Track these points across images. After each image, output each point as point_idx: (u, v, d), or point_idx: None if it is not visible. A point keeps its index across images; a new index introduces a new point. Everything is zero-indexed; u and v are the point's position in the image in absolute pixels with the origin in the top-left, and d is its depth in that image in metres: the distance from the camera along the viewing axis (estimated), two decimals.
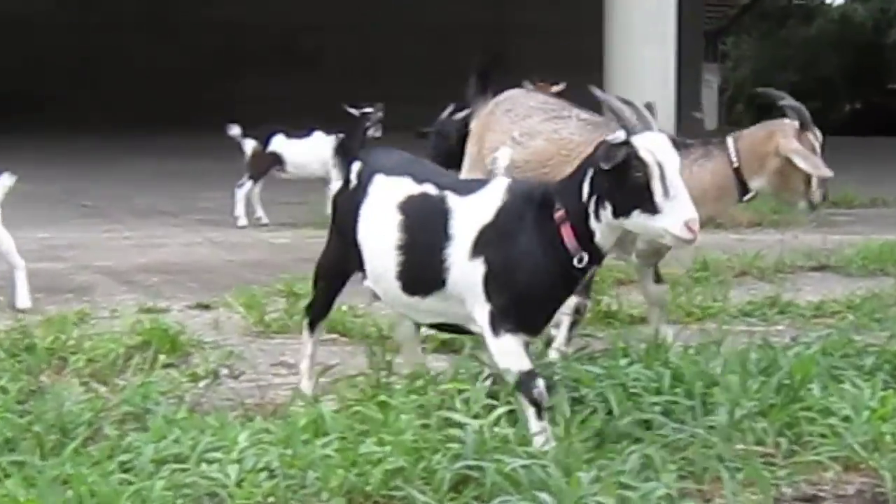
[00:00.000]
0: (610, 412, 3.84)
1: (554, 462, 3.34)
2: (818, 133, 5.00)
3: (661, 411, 3.88)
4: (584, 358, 4.36)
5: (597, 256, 3.83)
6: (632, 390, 4.00)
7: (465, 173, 5.65)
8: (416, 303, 4.07)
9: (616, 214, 3.72)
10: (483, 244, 3.87)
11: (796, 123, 4.96)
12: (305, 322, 4.55)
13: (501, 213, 3.89)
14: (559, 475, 3.25)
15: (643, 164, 3.65)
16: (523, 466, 3.29)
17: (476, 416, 3.63)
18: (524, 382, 3.78)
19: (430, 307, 4.06)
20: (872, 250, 7.68)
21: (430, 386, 4.01)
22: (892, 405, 3.96)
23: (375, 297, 4.31)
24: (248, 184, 9.98)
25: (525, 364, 3.81)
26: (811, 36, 31.15)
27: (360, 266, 4.22)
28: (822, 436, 3.75)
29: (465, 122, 6.53)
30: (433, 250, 3.95)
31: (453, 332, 4.40)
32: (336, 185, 4.45)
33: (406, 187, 4.10)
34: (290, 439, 3.55)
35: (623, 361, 4.20)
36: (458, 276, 3.91)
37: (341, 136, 9.62)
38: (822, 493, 3.55)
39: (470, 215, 3.93)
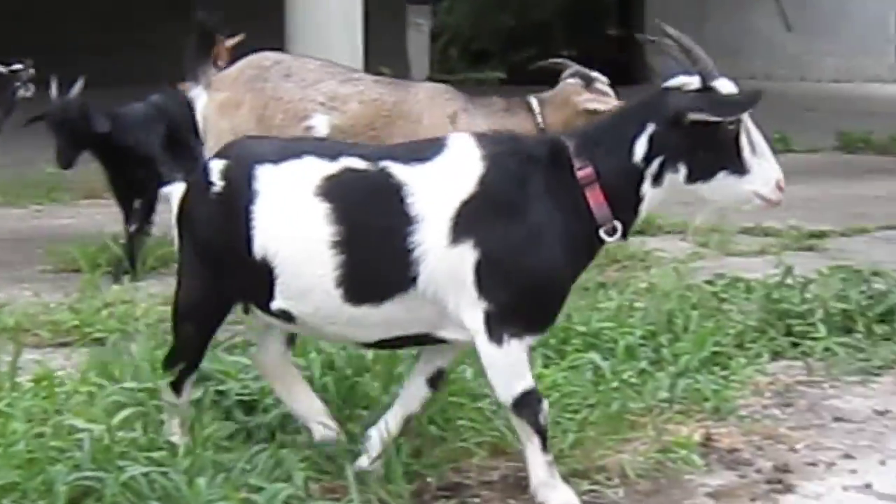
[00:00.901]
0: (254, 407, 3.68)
1: (180, 467, 3.14)
2: (602, 78, 5.35)
3: None
4: (232, 347, 4.14)
5: (628, 228, 3.21)
6: None
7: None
8: (365, 315, 3.19)
9: (692, 178, 3.15)
10: (468, 224, 3.10)
11: (581, 82, 5.26)
12: (166, 384, 3.44)
13: (489, 178, 3.13)
14: (183, 481, 3.06)
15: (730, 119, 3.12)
16: (144, 474, 3.07)
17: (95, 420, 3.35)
18: (528, 405, 3.16)
19: (387, 317, 3.19)
20: None
21: (57, 387, 3.69)
22: (547, 383, 3.97)
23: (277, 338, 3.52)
24: None
25: (529, 380, 3.18)
26: None
27: (251, 293, 3.30)
28: (473, 420, 3.70)
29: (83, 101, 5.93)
30: (390, 240, 3.13)
31: (400, 347, 3.53)
32: (173, 198, 3.53)
33: (316, 168, 3.21)
34: None
35: None
36: (434, 269, 3.11)
37: None
38: (467, 481, 3.49)
39: (438, 188, 3.13)
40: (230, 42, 8.67)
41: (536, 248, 3.11)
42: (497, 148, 3.20)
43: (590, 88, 5.34)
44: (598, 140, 3.21)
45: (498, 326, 3.11)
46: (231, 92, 5.23)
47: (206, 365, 3.67)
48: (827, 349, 4.78)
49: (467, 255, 3.09)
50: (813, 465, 3.67)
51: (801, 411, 4.18)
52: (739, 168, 3.14)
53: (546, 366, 4.14)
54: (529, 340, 3.18)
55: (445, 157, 3.19)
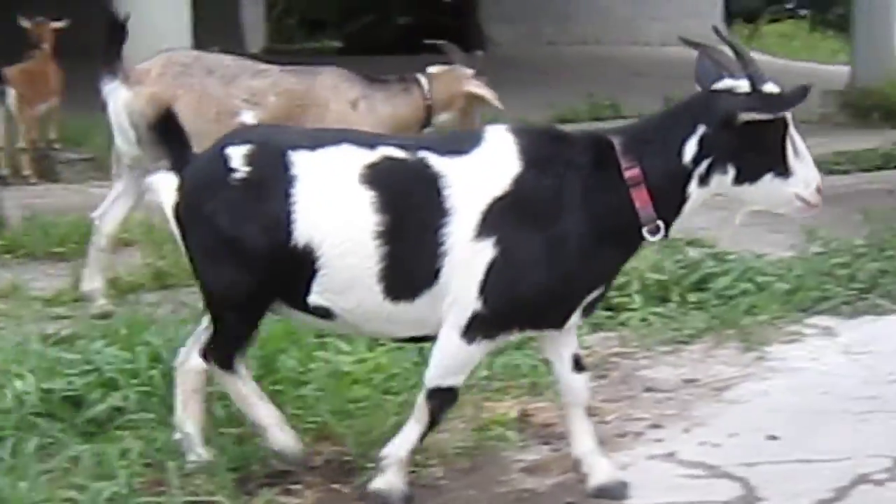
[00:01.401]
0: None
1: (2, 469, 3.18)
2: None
3: (137, 398, 3.74)
4: (60, 341, 4.16)
5: (669, 227, 3.19)
6: (108, 375, 3.83)
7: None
8: (401, 312, 3.16)
9: (740, 179, 3.16)
10: (495, 221, 3.07)
11: (470, 71, 5.56)
12: (216, 365, 3.34)
13: (525, 179, 3.11)
14: (6, 484, 3.09)
15: (784, 118, 3.13)
16: None
17: None
18: (444, 399, 3.23)
19: (416, 316, 3.17)
20: None
21: None
22: (371, 365, 4.08)
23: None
24: None
25: (461, 378, 3.24)
26: None
27: (283, 287, 3.20)
28: (296, 408, 3.79)
29: None
30: (424, 232, 3.09)
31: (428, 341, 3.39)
32: (160, 190, 3.32)
33: (357, 156, 3.16)
34: None
35: (99, 344, 4.02)
36: (456, 264, 3.08)
37: None
38: (291, 468, 3.58)
39: (473, 182, 3.10)
40: (55, 25, 8.56)
41: (552, 261, 3.09)
42: (537, 148, 3.19)
43: (478, 79, 5.58)
44: (646, 140, 3.21)
45: (477, 329, 3.12)
46: (159, 87, 5.19)
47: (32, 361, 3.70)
48: (643, 319, 5.00)
49: (485, 252, 3.08)
50: (622, 435, 3.86)
51: (615, 383, 4.38)
52: (784, 170, 3.17)
53: (370, 348, 4.23)
54: (500, 340, 3.23)
55: (484, 149, 3.18)
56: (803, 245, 6.07)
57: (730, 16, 23.38)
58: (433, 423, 3.25)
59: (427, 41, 6.11)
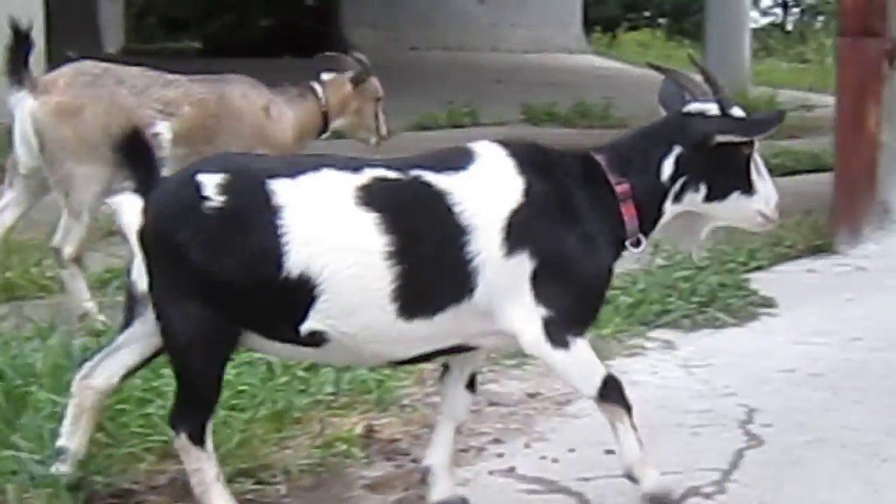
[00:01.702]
0: None
1: None
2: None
3: None
4: None
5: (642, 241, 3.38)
6: None
7: (70, 160, 5.14)
8: (415, 329, 3.14)
9: (710, 197, 3.38)
10: (521, 234, 3.15)
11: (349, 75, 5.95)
12: (185, 437, 3.19)
13: (536, 191, 3.20)
14: None
15: (751, 140, 3.36)
16: None
17: None
18: (612, 389, 3.26)
19: (435, 331, 3.17)
20: None
21: None
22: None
23: None
24: None
25: (602, 368, 3.29)
26: None
27: (265, 317, 3.13)
28: (141, 426, 3.78)
29: None
30: (444, 250, 3.12)
31: (426, 361, 3.51)
32: (124, 212, 3.17)
33: (345, 180, 3.13)
34: None
35: None
36: (492, 280, 3.13)
37: None
38: (135, 486, 3.58)
39: (482, 197, 3.16)
40: None
41: (589, 253, 3.24)
42: (532, 160, 3.28)
43: (370, 81, 6.06)
44: (629, 158, 3.37)
45: (559, 331, 3.18)
46: (68, 97, 5.16)
47: None
48: None
49: (525, 266, 3.15)
50: (465, 451, 3.93)
51: None
52: (749, 189, 3.39)
53: None
54: (586, 336, 3.28)
55: (480, 165, 3.22)
56: (649, 258, 6.25)
57: (588, 24, 23.78)
58: (628, 409, 3.30)
59: (328, 53, 6.40)
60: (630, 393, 3.81)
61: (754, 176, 3.40)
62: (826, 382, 4.67)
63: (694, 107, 3.41)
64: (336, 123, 5.95)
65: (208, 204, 3.05)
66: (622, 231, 3.32)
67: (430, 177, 3.17)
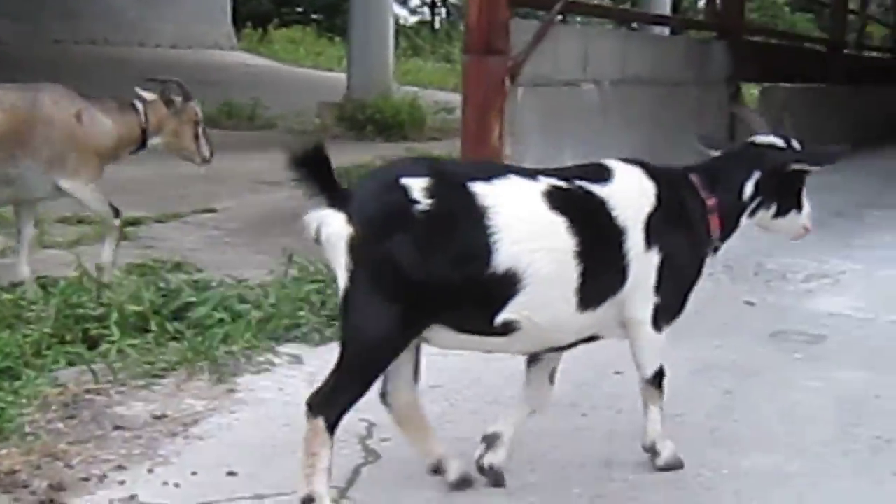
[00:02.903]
0: None
1: None
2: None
3: None
4: None
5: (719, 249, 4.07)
6: None
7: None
8: (584, 319, 3.67)
9: (777, 214, 4.16)
10: (655, 233, 3.73)
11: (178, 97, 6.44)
12: (322, 422, 3.43)
13: (663, 198, 3.80)
14: None
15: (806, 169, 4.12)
16: None
17: None
18: (661, 375, 3.96)
19: (594, 320, 3.72)
20: None
21: None
22: None
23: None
24: None
25: (661, 361, 3.95)
26: None
27: (459, 311, 3.47)
28: None
29: None
30: (609, 248, 3.67)
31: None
32: (328, 226, 3.36)
33: (530, 186, 3.57)
34: None
35: None
36: (636, 273, 3.72)
37: None
38: None
39: (629, 204, 3.72)
40: None
41: (695, 255, 3.92)
42: (653, 175, 3.86)
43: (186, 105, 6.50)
44: (717, 179, 4.02)
45: (660, 318, 3.82)
46: None
47: None
48: (120, 352, 5.06)
49: (654, 259, 3.73)
50: (86, 479, 3.89)
51: (85, 422, 4.39)
52: (800, 207, 4.20)
53: None
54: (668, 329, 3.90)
55: (622, 177, 3.79)
56: (281, 269, 6.36)
57: (240, 20, 23.73)
58: (662, 396, 3.99)
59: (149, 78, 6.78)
60: (258, 412, 3.91)
61: (804, 197, 4.20)
62: (444, 394, 4.88)
63: (764, 139, 4.17)
64: (154, 141, 6.40)
65: (417, 207, 3.34)
66: (709, 239, 3.97)
67: (591, 187, 3.70)
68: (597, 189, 3.70)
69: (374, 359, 3.46)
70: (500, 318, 3.50)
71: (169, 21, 21.65)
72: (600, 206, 3.68)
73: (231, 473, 3.98)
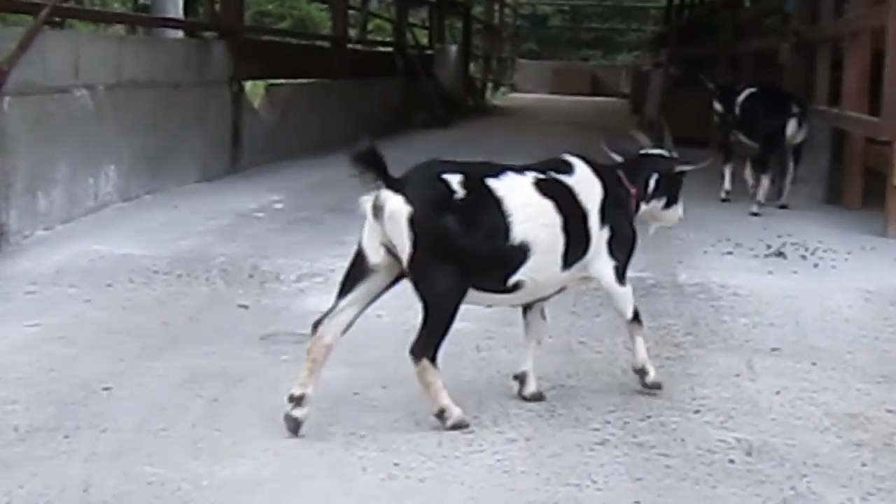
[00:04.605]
0: None
1: None
2: None
3: None
4: None
5: None
6: None
7: None
8: (564, 277, 4.87)
9: (666, 205, 5.39)
10: (606, 214, 4.91)
11: None
12: (427, 361, 4.54)
13: (607, 188, 4.97)
14: None
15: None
16: None
17: None
18: (637, 313, 5.15)
19: (568, 277, 4.90)
20: None
21: None
22: None
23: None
24: None
25: (633, 302, 5.14)
26: None
27: (486, 275, 4.60)
28: None
29: None
30: (581, 224, 4.83)
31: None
32: (389, 207, 4.41)
33: (524, 180, 4.71)
34: None
35: None
36: (596, 243, 4.90)
37: None
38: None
39: (589, 190, 4.89)
40: None
41: (630, 229, 5.06)
42: (599, 169, 5.02)
43: None
44: (634, 175, 5.23)
45: (619, 276, 5.01)
46: None
47: None
48: None
49: (605, 234, 4.92)
50: None
51: None
52: (677, 201, 5.43)
53: None
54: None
55: (579, 172, 4.93)
56: None
57: None
58: (641, 327, 5.24)
59: None
60: None
61: (679, 194, 5.43)
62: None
63: (653, 151, 5.40)
64: None
65: (457, 196, 4.46)
66: (633, 218, 5.16)
67: (560, 178, 4.83)
68: (564, 179, 4.85)
69: (446, 304, 4.50)
70: (512, 280, 4.67)
71: None
72: (569, 192, 4.81)
73: None
